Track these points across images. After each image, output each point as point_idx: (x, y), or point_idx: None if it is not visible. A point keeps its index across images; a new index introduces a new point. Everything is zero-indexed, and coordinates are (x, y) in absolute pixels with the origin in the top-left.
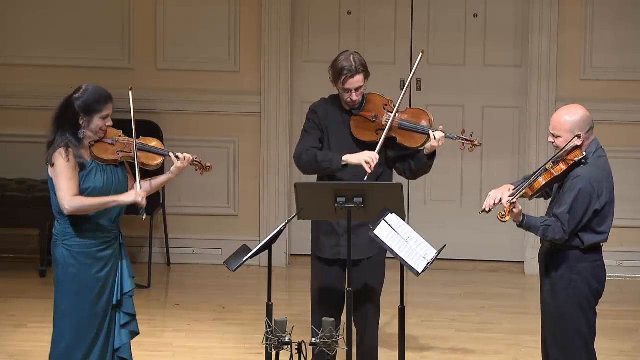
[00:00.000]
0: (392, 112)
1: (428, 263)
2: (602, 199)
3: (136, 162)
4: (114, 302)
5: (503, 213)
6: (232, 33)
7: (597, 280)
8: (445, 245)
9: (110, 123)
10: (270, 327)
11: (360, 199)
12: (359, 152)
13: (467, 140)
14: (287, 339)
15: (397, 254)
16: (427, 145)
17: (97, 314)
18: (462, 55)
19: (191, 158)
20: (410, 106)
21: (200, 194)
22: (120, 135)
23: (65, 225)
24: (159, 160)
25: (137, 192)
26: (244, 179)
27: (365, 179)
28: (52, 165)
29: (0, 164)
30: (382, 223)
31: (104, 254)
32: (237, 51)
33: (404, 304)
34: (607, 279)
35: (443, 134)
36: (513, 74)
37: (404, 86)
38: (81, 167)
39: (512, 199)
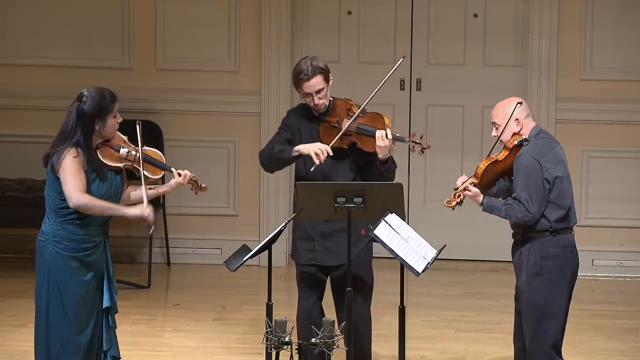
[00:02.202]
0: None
1: (428, 263)
2: (551, 170)
3: (143, 182)
4: (108, 305)
5: (449, 199)
6: (232, 33)
7: (570, 266)
8: (445, 245)
9: (120, 119)
10: (270, 327)
11: (360, 199)
12: (329, 158)
13: (417, 143)
14: (287, 339)
15: (397, 254)
16: (377, 148)
17: (85, 317)
18: (462, 55)
19: (189, 176)
20: (410, 107)
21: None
22: (125, 142)
23: (57, 227)
24: (160, 174)
25: (145, 208)
26: (244, 179)
27: (312, 169)
28: (61, 162)
29: (0, 164)
30: (382, 223)
31: (90, 259)
32: (237, 51)
33: (404, 304)
34: (607, 279)
35: (385, 133)
36: (513, 74)
37: (376, 87)
38: (90, 170)
39: (463, 184)
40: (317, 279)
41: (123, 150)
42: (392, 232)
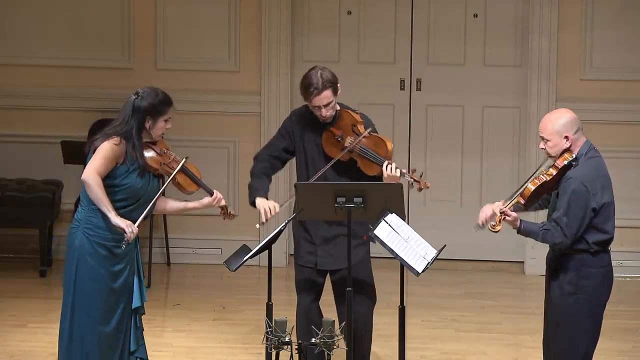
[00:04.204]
0: (358, 135)
1: (428, 263)
2: (598, 197)
3: (162, 188)
4: (138, 305)
5: (494, 223)
6: (232, 33)
7: (606, 286)
8: (445, 245)
9: (169, 126)
10: (270, 327)
11: (360, 199)
12: (325, 164)
13: (416, 181)
14: (287, 339)
15: (397, 254)
16: (384, 176)
17: (110, 307)
18: (462, 55)
19: (223, 201)
20: (410, 107)
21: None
22: (168, 149)
23: (90, 214)
24: (193, 188)
25: (131, 224)
26: (244, 179)
27: (257, 226)
28: (101, 143)
29: (0, 164)
30: (382, 223)
31: (119, 251)
32: (237, 51)
33: (404, 304)
34: None
35: (392, 167)
36: (513, 74)
37: (368, 131)
38: (129, 162)
39: (503, 208)
40: (314, 281)
41: (165, 156)
42: (392, 232)
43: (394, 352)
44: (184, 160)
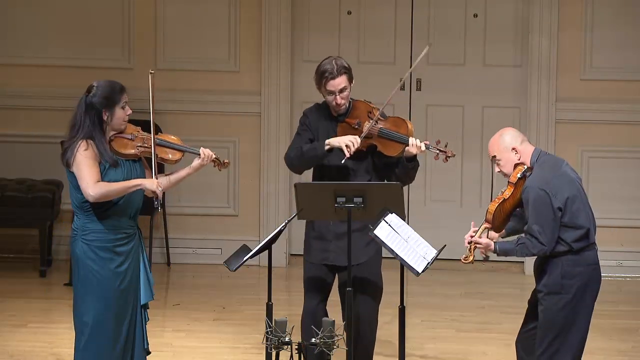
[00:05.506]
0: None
1: (428, 263)
2: (560, 195)
3: (153, 157)
4: (148, 300)
5: (465, 255)
6: (232, 33)
7: (593, 286)
8: (445, 245)
9: (130, 112)
10: (270, 327)
11: (360, 199)
12: (348, 161)
13: (441, 151)
14: (287, 339)
15: (397, 254)
16: (407, 153)
17: (120, 308)
18: (462, 55)
19: (213, 156)
20: (410, 107)
21: (200, 194)
22: (138, 131)
23: (85, 221)
24: (178, 156)
25: (158, 183)
26: (244, 179)
27: (343, 162)
28: (73, 158)
29: (0, 164)
30: (382, 223)
31: (122, 249)
32: (237, 51)
33: (404, 304)
34: (607, 279)
35: (421, 143)
36: (513, 74)
37: (398, 85)
38: (104, 160)
39: (472, 238)
40: (325, 280)
41: (137, 139)
42: (392, 232)
43: (394, 352)
44: (152, 136)
